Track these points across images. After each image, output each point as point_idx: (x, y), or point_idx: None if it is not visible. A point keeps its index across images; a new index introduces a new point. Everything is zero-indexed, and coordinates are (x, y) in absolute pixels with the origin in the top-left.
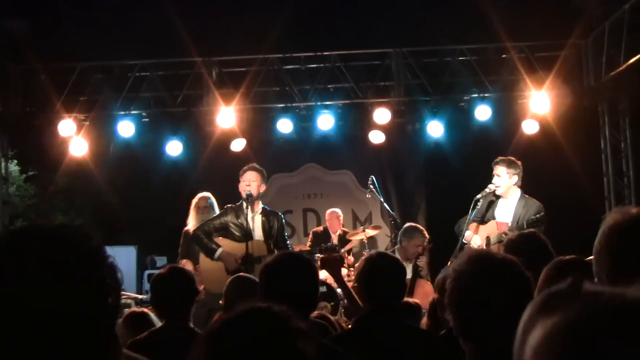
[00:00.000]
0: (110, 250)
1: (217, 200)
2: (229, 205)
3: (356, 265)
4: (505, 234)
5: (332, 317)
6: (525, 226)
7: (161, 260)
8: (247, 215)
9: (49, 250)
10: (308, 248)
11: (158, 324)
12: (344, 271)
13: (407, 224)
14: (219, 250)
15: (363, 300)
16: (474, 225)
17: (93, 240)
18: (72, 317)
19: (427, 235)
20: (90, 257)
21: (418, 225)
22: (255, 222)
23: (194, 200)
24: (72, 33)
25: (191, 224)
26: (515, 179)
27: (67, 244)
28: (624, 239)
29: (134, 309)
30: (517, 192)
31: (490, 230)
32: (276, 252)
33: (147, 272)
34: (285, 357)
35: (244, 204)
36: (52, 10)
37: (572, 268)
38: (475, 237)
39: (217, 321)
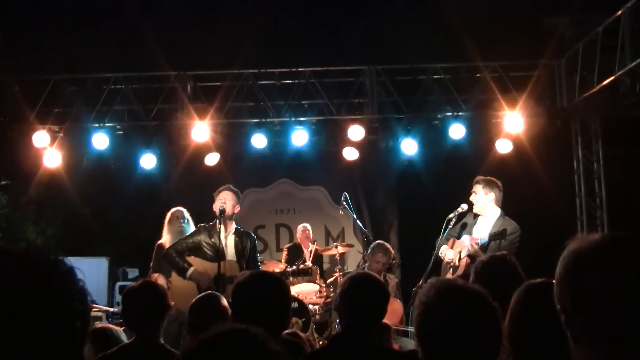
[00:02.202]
0: (81, 261)
1: (189, 214)
2: (202, 224)
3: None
4: (472, 247)
5: (302, 334)
6: (487, 239)
7: (133, 272)
8: (220, 234)
9: (16, 275)
10: (282, 264)
11: (123, 339)
12: (315, 287)
13: (375, 242)
14: (191, 270)
15: (341, 318)
16: (451, 241)
17: (61, 264)
18: (38, 341)
19: (391, 253)
20: (57, 282)
21: (384, 243)
22: (228, 242)
23: (168, 214)
24: (47, 45)
25: (165, 237)
26: (492, 196)
27: (35, 269)
28: (585, 268)
29: (96, 325)
30: (496, 210)
31: (463, 245)
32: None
33: (118, 283)
34: None
35: (217, 223)
36: (26, 22)
37: (543, 292)
38: (449, 252)
39: (194, 342)
